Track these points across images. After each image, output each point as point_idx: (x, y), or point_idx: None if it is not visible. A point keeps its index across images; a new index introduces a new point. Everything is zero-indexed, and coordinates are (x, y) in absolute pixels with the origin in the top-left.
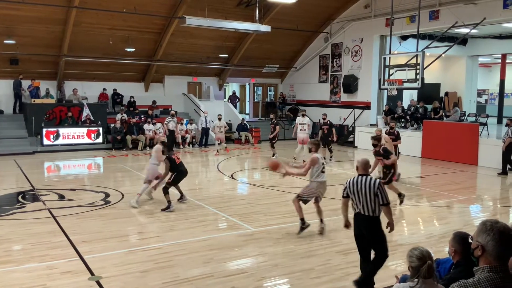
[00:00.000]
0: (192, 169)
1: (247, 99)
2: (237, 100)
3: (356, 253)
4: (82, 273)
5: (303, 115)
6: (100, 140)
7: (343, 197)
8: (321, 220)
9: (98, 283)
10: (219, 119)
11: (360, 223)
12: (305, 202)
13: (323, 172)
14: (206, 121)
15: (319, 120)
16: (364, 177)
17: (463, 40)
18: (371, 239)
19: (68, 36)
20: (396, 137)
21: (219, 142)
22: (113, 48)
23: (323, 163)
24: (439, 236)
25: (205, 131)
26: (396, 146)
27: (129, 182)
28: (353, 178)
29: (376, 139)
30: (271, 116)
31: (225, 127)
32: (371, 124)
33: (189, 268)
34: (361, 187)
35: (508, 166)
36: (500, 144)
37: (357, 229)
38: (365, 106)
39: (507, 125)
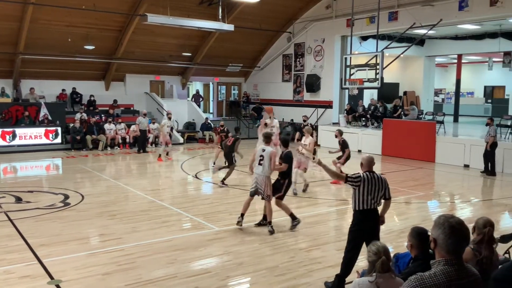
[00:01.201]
0: (155, 169)
1: (211, 98)
2: (201, 99)
3: (318, 250)
4: (41, 277)
5: (270, 117)
6: (58, 140)
7: (351, 184)
8: (269, 222)
9: (58, 287)
10: (169, 118)
11: (370, 217)
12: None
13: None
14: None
15: (283, 118)
16: (372, 173)
17: (421, 41)
18: (375, 230)
19: (25, 33)
20: (342, 147)
21: (165, 145)
22: (72, 46)
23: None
24: (398, 231)
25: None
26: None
27: (89, 183)
28: (366, 175)
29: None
30: (221, 123)
31: (171, 128)
32: (333, 123)
33: (153, 269)
34: (375, 182)
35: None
36: (457, 142)
37: (363, 225)
38: (328, 105)
39: (487, 124)
